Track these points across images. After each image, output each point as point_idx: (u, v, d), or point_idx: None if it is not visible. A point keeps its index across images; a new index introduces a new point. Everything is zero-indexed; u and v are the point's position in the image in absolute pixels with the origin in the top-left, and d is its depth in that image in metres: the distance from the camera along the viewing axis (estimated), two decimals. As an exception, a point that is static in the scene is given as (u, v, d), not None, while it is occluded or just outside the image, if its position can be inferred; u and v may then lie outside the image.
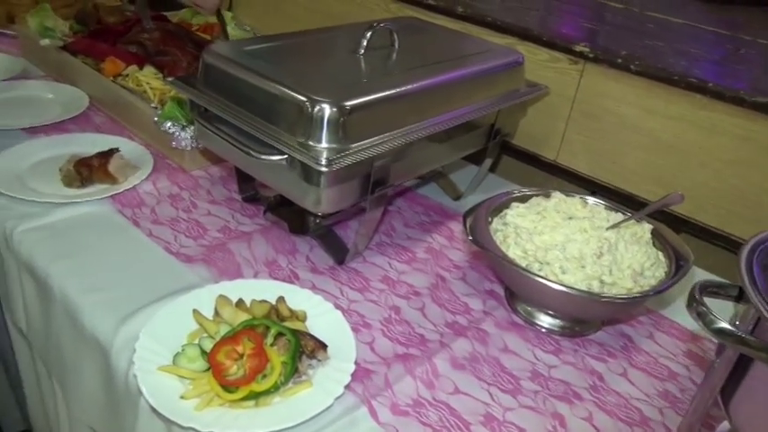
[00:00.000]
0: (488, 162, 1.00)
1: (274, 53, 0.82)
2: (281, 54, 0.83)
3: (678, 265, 0.74)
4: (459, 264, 0.88)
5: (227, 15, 1.56)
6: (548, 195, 0.84)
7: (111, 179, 0.92)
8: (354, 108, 0.70)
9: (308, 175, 0.70)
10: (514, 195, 0.84)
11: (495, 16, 1.12)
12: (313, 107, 0.68)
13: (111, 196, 0.90)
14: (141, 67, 1.20)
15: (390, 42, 0.89)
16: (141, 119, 1.05)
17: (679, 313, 0.83)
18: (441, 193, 1.04)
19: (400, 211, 0.99)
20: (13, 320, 0.88)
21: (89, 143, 1.00)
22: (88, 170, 0.91)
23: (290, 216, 0.87)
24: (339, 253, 0.85)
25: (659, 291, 0.70)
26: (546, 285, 0.68)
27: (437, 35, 1.02)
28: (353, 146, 0.70)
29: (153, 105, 1.05)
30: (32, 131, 1.04)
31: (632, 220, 0.78)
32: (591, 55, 1.00)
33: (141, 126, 1.07)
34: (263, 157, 0.71)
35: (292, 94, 0.70)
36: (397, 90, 0.76)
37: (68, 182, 0.91)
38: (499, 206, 0.83)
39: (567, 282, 0.69)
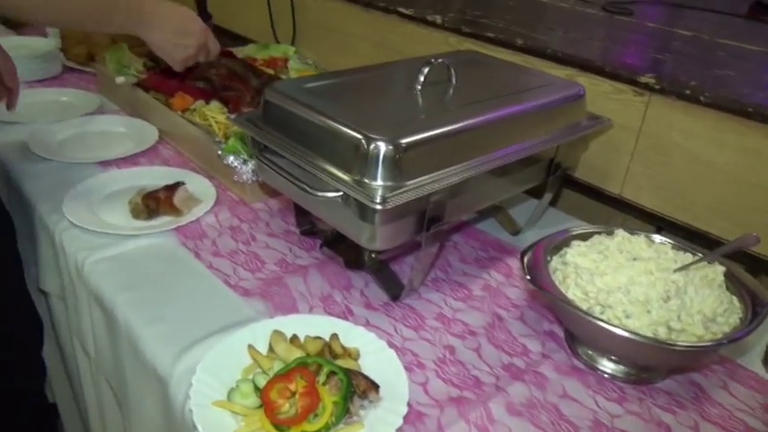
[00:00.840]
0: (548, 196, 0.98)
1: (333, 90, 0.84)
2: (339, 91, 0.84)
3: (755, 311, 0.69)
4: (517, 302, 0.85)
5: (290, 50, 1.61)
6: (610, 233, 0.81)
7: (176, 212, 0.96)
8: (410, 145, 0.70)
9: (363, 212, 0.70)
10: (575, 233, 0.82)
11: (556, 48, 1.10)
12: (368, 145, 0.69)
13: (175, 228, 0.93)
14: (208, 102, 1.24)
15: (447, 77, 0.89)
16: (206, 152, 1.09)
17: (757, 362, 0.77)
18: (499, 228, 1.02)
19: (457, 246, 0.97)
20: (82, 345, 0.91)
21: (157, 176, 1.04)
22: (155, 203, 0.95)
23: (345, 251, 0.88)
24: (394, 289, 0.84)
25: (733, 339, 0.66)
26: (608, 330, 0.65)
27: (496, 69, 1.01)
28: (409, 183, 0.70)
29: (217, 139, 1.09)
30: (105, 164, 1.10)
31: (703, 262, 0.74)
32: (657, 86, 0.96)
33: (206, 159, 1.11)
34: (319, 193, 0.71)
35: (348, 131, 0.71)
36: (454, 126, 0.75)
37: (136, 214, 0.95)
38: (559, 244, 0.80)
39: (632, 327, 0.66)
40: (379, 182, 0.69)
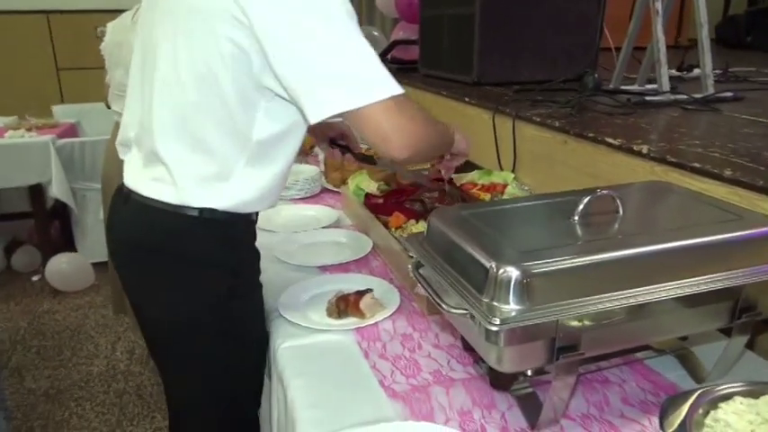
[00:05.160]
0: (737, 342, 0.86)
1: (490, 217, 0.90)
2: (496, 218, 0.90)
3: None
4: (675, 458, 0.76)
5: (510, 176, 1.71)
6: (793, 395, 0.69)
7: (361, 314, 1.10)
8: (540, 273, 0.73)
9: (488, 332, 0.73)
10: (744, 387, 0.71)
11: (771, 179, 0.99)
12: (497, 270, 0.73)
13: (356, 329, 1.06)
14: (418, 222, 1.40)
15: (614, 209, 0.89)
16: (402, 265, 1.23)
17: None
18: (681, 370, 0.92)
19: (622, 383, 0.91)
20: (270, 419, 1.08)
21: (358, 282, 1.21)
22: (345, 305, 1.11)
23: (494, 370, 0.90)
24: (535, 417, 0.83)
25: None
26: (743, 505, 0.56)
27: (681, 201, 0.96)
28: (537, 308, 0.72)
29: (410, 254, 1.22)
30: (323, 269, 1.32)
31: None
32: None
33: (401, 271, 1.25)
34: (452, 309, 0.78)
35: (482, 256, 0.76)
36: (596, 257, 0.75)
37: (330, 313, 1.12)
38: (720, 397, 0.71)
39: (776, 508, 0.55)
40: (511, 305, 0.73)
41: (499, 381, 0.89)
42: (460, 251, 0.81)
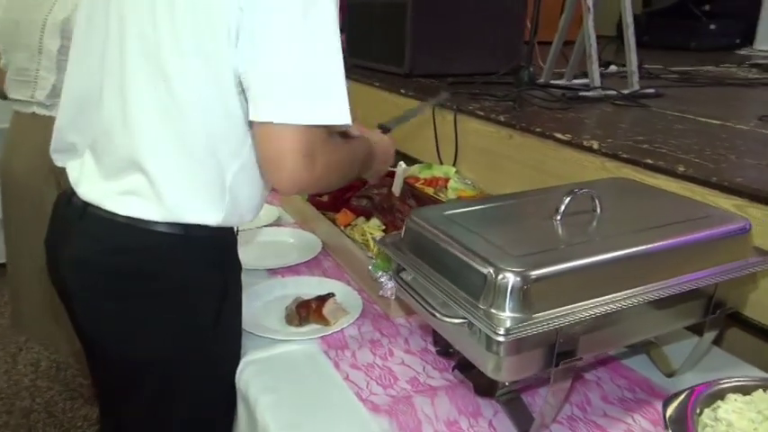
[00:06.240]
0: (709, 337, 0.89)
1: (472, 218, 0.87)
2: (478, 219, 0.87)
3: None
4: (664, 456, 0.76)
5: (451, 170, 1.69)
6: (779, 389, 0.71)
7: (324, 321, 1.03)
8: (539, 278, 0.70)
9: (488, 341, 0.70)
10: (734, 384, 0.73)
11: (723, 176, 1.03)
12: (496, 276, 0.70)
13: (321, 337, 1.00)
14: (368, 219, 1.35)
15: (592, 207, 0.88)
16: (359, 266, 1.17)
17: None
18: (651, 366, 0.94)
19: (600, 382, 0.91)
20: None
21: (313, 286, 1.14)
22: (306, 311, 1.04)
23: (477, 376, 0.86)
24: (523, 423, 0.81)
25: None
26: (764, 508, 0.56)
27: (649, 198, 0.97)
28: (538, 315, 0.69)
29: (370, 255, 1.17)
30: (272, 272, 1.23)
31: None
32: None
33: (358, 272, 1.19)
34: (445, 318, 0.73)
35: (478, 261, 0.73)
36: (588, 260, 0.74)
37: (290, 320, 1.04)
38: (713, 394, 0.72)
39: None
40: (507, 313, 0.69)
41: (484, 387, 0.86)
42: (450, 256, 0.77)
